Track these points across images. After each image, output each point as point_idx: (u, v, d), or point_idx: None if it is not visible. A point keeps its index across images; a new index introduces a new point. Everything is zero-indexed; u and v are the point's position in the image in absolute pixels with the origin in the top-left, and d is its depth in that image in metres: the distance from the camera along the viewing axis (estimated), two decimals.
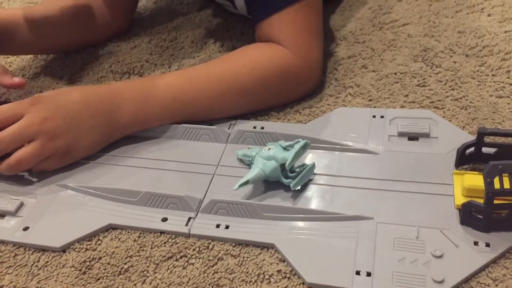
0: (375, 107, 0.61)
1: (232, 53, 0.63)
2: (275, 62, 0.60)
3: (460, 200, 0.47)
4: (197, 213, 0.51)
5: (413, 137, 0.55)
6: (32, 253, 0.50)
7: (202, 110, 0.60)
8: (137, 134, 0.60)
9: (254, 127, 0.60)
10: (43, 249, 0.50)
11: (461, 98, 0.61)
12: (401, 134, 0.56)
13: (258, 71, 0.60)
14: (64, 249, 0.50)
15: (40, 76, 0.77)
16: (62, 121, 0.55)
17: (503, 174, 0.43)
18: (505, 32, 0.70)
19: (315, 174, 0.53)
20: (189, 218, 0.50)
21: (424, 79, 0.64)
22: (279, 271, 0.45)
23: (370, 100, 0.63)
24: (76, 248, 0.50)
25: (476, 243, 0.44)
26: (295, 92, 0.63)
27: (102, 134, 0.57)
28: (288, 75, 0.61)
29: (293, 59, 0.61)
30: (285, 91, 0.62)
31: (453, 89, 0.62)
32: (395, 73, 0.66)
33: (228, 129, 0.60)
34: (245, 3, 0.66)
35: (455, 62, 0.66)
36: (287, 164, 0.50)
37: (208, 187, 0.53)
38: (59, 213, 0.53)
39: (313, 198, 0.50)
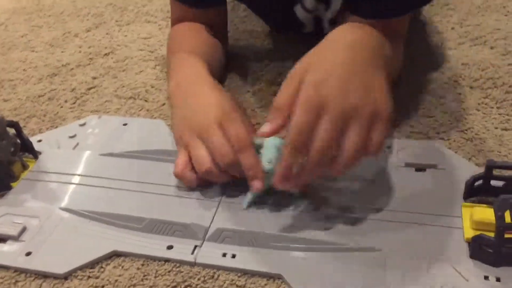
0: None
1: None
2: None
3: (470, 233, 0.47)
4: (203, 241, 0.50)
5: (420, 168, 0.55)
6: (33, 280, 0.49)
7: None
8: (142, 157, 0.60)
9: None
10: (45, 276, 0.49)
11: (466, 130, 0.61)
12: (408, 165, 0.56)
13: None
14: (66, 276, 0.49)
15: (44, 99, 0.76)
16: (345, 84, 0.45)
17: None
18: (509, 65, 0.71)
19: (321, 203, 0.52)
20: (195, 246, 0.50)
21: (429, 110, 0.65)
22: None
23: None
24: (78, 275, 0.49)
25: (486, 278, 0.44)
26: None
27: (385, 74, 0.49)
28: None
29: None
30: None
31: (458, 121, 0.63)
32: (401, 105, 0.66)
33: None
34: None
35: (459, 94, 0.67)
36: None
37: (214, 214, 0.52)
38: (63, 238, 0.52)
39: (322, 229, 0.50)
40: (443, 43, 0.78)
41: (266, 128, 0.47)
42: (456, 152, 0.58)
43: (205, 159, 0.52)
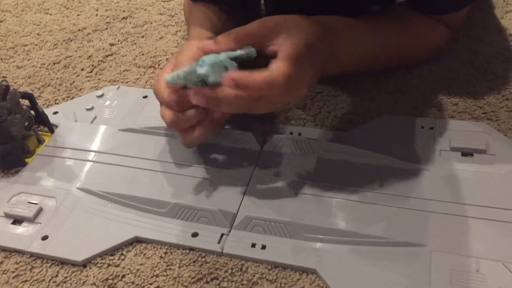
0: (421, 116, 0.57)
1: (406, 26, 0.59)
2: (437, 45, 0.62)
3: None
4: (230, 229, 0.46)
5: (467, 153, 0.51)
6: (50, 266, 0.46)
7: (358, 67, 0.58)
8: (165, 133, 0.56)
9: (291, 133, 0.56)
10: (62, 262, 0.46)
11: None
12: (454, 149, 0.51)
13: (421, 51, 0.62)
14: (85, 264, 0.46)
15: (60, 66, 0.72)
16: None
17: None
18: None
19: (358, 190, 0.48)
20: (222, 235, 0.46)
21: (475, 86, 0.59)
22: None
23: (415, 108, 0.58)
24: (97, 263, 0.46)
25: None
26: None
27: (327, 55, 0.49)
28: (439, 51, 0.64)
29: (448, 36, 0.62)
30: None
31: (507, 99, 0.57)
32: (443, 79, 0.61)
33: (263, 134, 0.55)
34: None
35: (508, 69, 0.61)
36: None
37: (242, 199, 0.49)
38: (81, 221, 0.49)
39: (360, 219, 0.46)
40: (489, 11, 0.71)
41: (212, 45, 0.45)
42: (506, 135, 0.53)
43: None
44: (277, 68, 0.43)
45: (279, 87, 0.42)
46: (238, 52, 0.45)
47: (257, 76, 0.42)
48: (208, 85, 0.43)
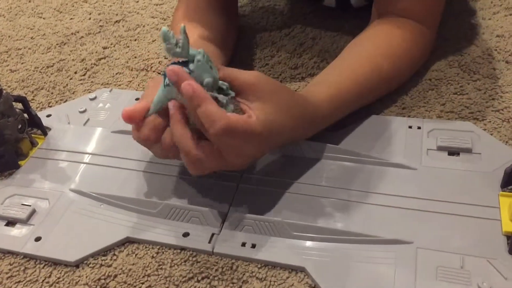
0: (409, 116, 0.57)
1: (373, 44, 0.58)
2: (419, 48, 0.60)
3: (509, 226, 0.44)
4: (221, 229, 0.47)
5: (453, 152, 0.52)
6: (43, 267, 0.47)
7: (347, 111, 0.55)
8: None
9: None
10: (55, 263, 0.47)
11: (502, 110, 0.57)
12: (440, 148, 0.52)
13: (404, 61, 0.59)
14: (77, 264, 0.46)
15: (53, 70, 0.73)
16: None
17: None
18: None
19: (346, 189, 0.49)
20: (212, 234, 0.47)
21: (462, 86, 0.60)
22: None
23: (403, 109, 0.59)
24: (90, 263, 0.46)
25: None
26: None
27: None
28: (426, 54, 0.63)
29: (429, 35, 0.61)
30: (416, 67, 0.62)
31: (493, 99, 0.58)
32: (430, 79, 0.62)
33: None
34: None
35: (494, 69, 0.62)
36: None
37: (232, 200, 0.49)
38: (74, 222, 0.49)
39: (347, 218, 0.46)
40: (476, 12, 0.72)
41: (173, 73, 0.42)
42: (491, 134, 0.54)
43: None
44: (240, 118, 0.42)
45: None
46: (220, 95, 0.43)
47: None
48: None
